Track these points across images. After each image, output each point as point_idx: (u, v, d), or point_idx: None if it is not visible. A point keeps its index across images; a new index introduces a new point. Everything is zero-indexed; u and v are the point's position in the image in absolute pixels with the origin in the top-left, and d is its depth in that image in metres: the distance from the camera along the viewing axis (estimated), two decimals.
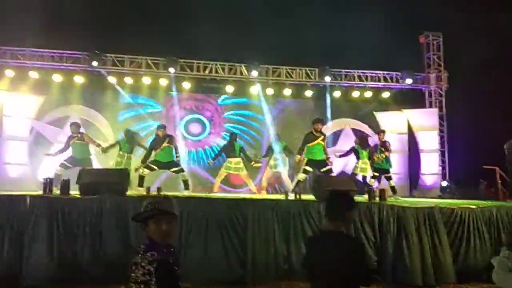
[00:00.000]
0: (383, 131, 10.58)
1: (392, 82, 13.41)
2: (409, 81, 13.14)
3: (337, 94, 13.27)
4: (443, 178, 12.88)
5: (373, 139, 11.32)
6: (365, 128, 13.47)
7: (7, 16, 10.98)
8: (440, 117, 13.27)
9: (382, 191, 7.68)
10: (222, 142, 11.98)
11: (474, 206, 7.09)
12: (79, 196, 6.49)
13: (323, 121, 9.33)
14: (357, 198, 7.15)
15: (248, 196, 8.55)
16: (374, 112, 13.31)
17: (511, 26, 11.94)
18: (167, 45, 12.16)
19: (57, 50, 11.86)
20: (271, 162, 10.21)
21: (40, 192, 6.77)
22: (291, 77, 12.99)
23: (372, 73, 13.32)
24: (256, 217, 6.41)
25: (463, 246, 6.78)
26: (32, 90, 11.62)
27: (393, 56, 12.63)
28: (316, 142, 8.83)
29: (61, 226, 6.01)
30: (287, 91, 13.06)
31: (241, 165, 9.87)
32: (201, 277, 5.95)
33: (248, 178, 10.17)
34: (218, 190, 10.28)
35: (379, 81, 13.36)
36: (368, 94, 13.31)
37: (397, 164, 12.56)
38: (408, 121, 13.13)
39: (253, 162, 10.08)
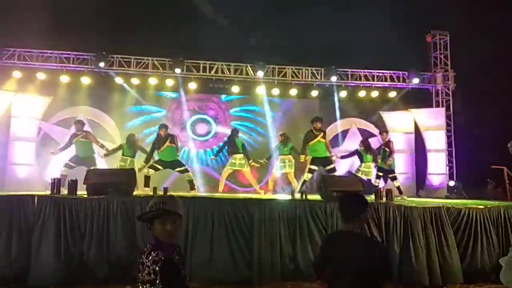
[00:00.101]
0: (386, 131, 10.62)
1: (399, 81, 13.34)
2: (416, 80, 13.07)
3: (343, 94, 13.24)
4: (450, 178, 12.80)
5: (379, 139, 11.25)
6: (371, 128, 13.43)
7: (14, 18, 11.07)
8: (447, 117, 13.18)
9: (388, 191, 7.65)
10: None
11: (481, 206, 7.04)
12: (86, 196, 6.53)
13: (321, 119, 9.41)
14: None
15: (254, 196, 8.57)
16: (381, 112, 13.26)
17: None
18: (173, 46, 12.19)
19: (64, 51, 11.94)
20: (277, 163, 10.15)
21: (48, 192, 6.81)
22: (297, 77, 12.98)
23: (378, 72, 13.27)
24: (262, 217, 6.41)
25: (471, 246, 6.73)
26: (40, 91, 11.71)
27: (399, 56, 12.57)
28: (316, 140, 8.99)
29: (68, 226, 6.05)
30: (293, 91, 13.05)
31: (244, 161, 9.83)
32: (207, 277, 5.97)
33: (251, 175, 10.09)
34: (224, 190, 10.25)
35: (386, 80, 13.31)
36: (375, 93, 13.26)
37: (404, 164, 12.53)
38: (415, 120, 13.07)
39: (251, 161, 10.03)
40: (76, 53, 11.99)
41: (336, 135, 13.34)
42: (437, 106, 13.48)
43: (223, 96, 13.51)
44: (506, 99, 12.29)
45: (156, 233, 2.32)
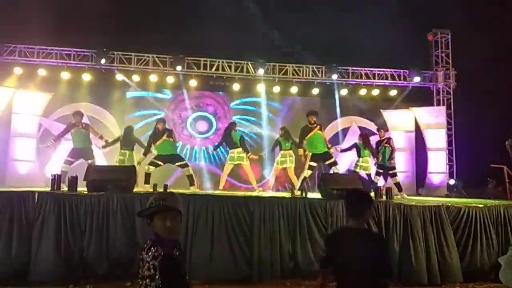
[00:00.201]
0: (383, 128, 10.74)
1: (400, 80, 13.33)
2: (417, 79, 13.07)
3: (344, 92, 13.24)
4: (450, 176, 12.80)
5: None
6: (371, 126, 13.41)
7: (16, 14, 11.06)
8: (448, 115, 13.18)
9: (388, 190, 7.66)
10: None
11: (481, 205, 7.05)
12: (86, 193, 6.54)
13: (317, 113, 9.40)
14: None
15: (254, 193, 8.57)
16: (382, 110, 13.25)
17: None
18: (173, 43, 12.16)
19: (65, 48, 11.93)
20: (278, 158, 10.06)
21: (48, 189, 6.82)
22: (298, 75, 12.97)
23: (379, 71, 13.26)
24: (262, 215, 6.42)
25: (470, 245, 6.75)
26: (40, 88, 11.71)
27: (401, 54, 12.55)
28: (313, 133, 8.94)
29: (68, 222, 6.06)
30: (294, 89, 13.04)
31: (243, 154, 9.73)
32: (207, 274, 5.98)
33: (250, 170, 9.99)
34: (225, 186, 10.20)
35: (387, 79, 13.30)
36: (376, 92, 13.25)
37: (404, 163, 12.51)
38: (415, 119, 13.06)
39: (249, 154, 9.98)
40: (77, 49, 11.99)
41: (337, 133, 13.33)
42: (438, 104, 13.47)
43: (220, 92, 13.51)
44: (507, 98, 12.27)
45: (156, 229, 2.32)
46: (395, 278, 6.27)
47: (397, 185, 9.93)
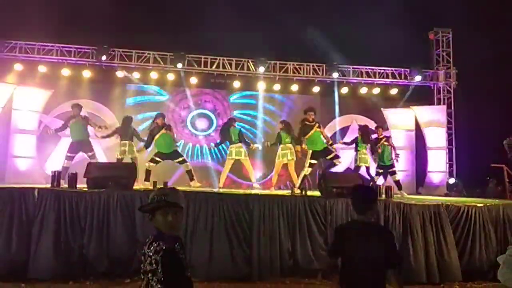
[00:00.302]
0: (381, 127, 10.71)
1: (401, 78, 13.32)
2: (418, 78, 13.07)
3: (344, 90, 13.23)
4: (450, 175, 12.81)
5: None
6: (372, 125, 13.37)
7: (16, 10, 11.05)
8: (449, 114, 13.18)
9: (388, 188, 7.66)
10: None
11: (480, 204, 7.05)
12: (86, 189, 6.54)
13: (315, 110, 9.37)
14: None
15: (254, 191, 8.56)
16: (382, 109, 13.24)
17: None
18: (174, 40, 12.15)
19: (65, 44, 11.92)
20: (279, 152, 9.83)
21: (48, 185, 6.82)
22: (299, 73, 12.96)
23: (380, 69, 13.26)
24: (261, 213, 6.43)
25: (469, 244, 6.75)
26: (41, 84, 11.71)
27: (402, 53, 12.54)
28: (313, 131, 8.92)
29: (68, 219, 6.07)
30: (294, 87, 13.04)
31: (242, 149, 9.64)
32: (206, 273, 5.99)
33: (250, 165, 9.91)
34: (225, 183, 10.14)
35: (388, 77, 13.30)
36: (376, 90, 13.25)
37: (404, 161, 12.50)
38: (416, 118, 13.06)
39: (252, 146, 9.91)
40: (77, 46, 11.98)
41: (336, 132, 13.32)
42: (439, 103, 13.46)
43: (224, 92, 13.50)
44: (507, 97, 12.26)
45: (157, 224, 2.35)
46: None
47: (397, 183, 9.94)
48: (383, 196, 7.45)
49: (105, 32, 11.80)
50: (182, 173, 10.10)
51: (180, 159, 9.24)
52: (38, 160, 11.42)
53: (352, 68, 13.14)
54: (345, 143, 10.80)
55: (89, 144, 9.49)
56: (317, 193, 7.76)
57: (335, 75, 12.80)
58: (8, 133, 11.21)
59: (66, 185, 6.95)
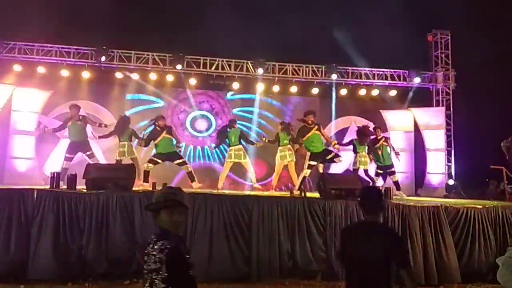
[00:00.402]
0: (380, 128, 10.74)
1: (400, 80, 13.34)
2: (417, 80, 13.09)
3: (343, 92, 13.24)
4: (449, 177, 12.81)
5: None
6: (370, 127, 13.40)
7: (15, 11, 11.05)
8: (447, 116, 13.18)
9: (387, 190, 7.67)
10: None
11: (479, 206, 7.07)
12: (85, 191, 6.54)
13: (315, 113, 9.36)
14: None
15: (253, 193, 8.57)
16: (381, 110, 13.25)
17: None
18: (173, 41, 12.15)
19: (64, 45, 11.91)
20: (278, 154, 9.81)
21: (47, 187, 6.82)
22: (298, 74, 12.97)
23: (379, 71, 13.27)
24: (261, 214, 6.43)
25: (468, 246, 6.77)
26: (40, 85, 11.69)
27: (400, 54, 12.56)
28: (311, 133, 8.89)
29: (67, 220, 6.07)
30: (293, 89, 13.04)
31: (242, 152, 9.66)
32: (206, 274, 5.98)
33: (250, 166, 9.92)
34: (224, 185, 10.11)
35: (386, 79, 13.31)
36: (375, 92, 13.26)
37: (403, 163, 12.50)
38: (414, 119, 13.07)
39: (256, 143, 9.92)
40: (76, 47, 11.96)
41: (336, 133, 13.32)
42: (437, 105, 13.47)
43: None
44: (506, 99, 12.29)
45: (162, 223, 2.36)
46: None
47: (396, 183, 9.95)
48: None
49: (104, 33, 11.80)
50: (184, 175, 10.09)
51: (180, 160, 9.22)
52: (37, 161, 11.39)
53: (351, 69, 13.15)
54: (340, 145, 10.80)
55: (87, 144, 9.50)
56: (317, 194, 7.77)
57: (334, 76, 12.81)
58: (7, 134, 11.18)
59: (65, 187, 6.94)
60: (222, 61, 12.59)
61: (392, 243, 3.03)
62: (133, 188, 7.25)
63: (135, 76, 12.30)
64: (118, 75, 12.22)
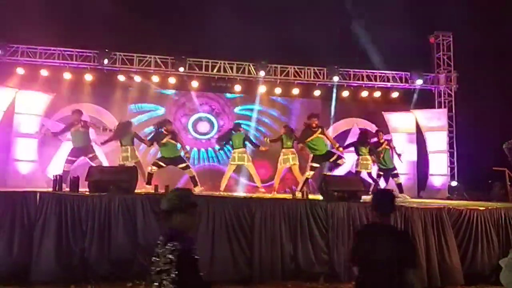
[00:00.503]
0: (382, 131, 10.71)
1: (402, 82, 13.34)
2: (419, 82, 13.08)
3: (345, 94, 13.24)
4: (452, 179, 12.79)
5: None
6: (373, 128, 13.39)
7: (18, 14, 11.09)
8: (450, 118, 13.17)
9: None
10: None
11: (482, 208, 7.04)
12: (88, 193, 6.55)
13: (318, 116, 9.35)
14: (365, 197, 7.16)
15: (255, 195, 8.57)
16: (383, 112, 13.24)
17: None
18: (175, 44, 12.17)
19: (67, 48, 11.95)
20: (280, 157, 9.78)
21: (50, 189, 6.83)
22: (300, 76, 12.98)
23: (381, 73, 13.26)
24: (263, 216, 6.42)
25: (471, 248, 6.74)
26: (43, 88, 11.72)
27: (402, 56, 12.54)
28: (315, 136, 8.87)
29: (69, 223, 6.07)
30: (295, 91, 13.05)
31: (245, 155, 9.67)
32: (208, 275, 5.94)
33: (254, 170, 9.90)
34: (227, 186, 10.07)
35: (388, 81, 13.30)
36: (377, 94, 13.26)
37: (405, 165, 12.47)
38: (416, 121, 13.05)
39: (261, 147, 9.92)
40: (79, 50, 12.00)
41: (338, 135, 13.30)
42: (439, 107, 13.46)
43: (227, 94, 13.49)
44: (508, 100, 12.26)
45: (175, 225, 2.36)
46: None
47: (399, 186, 9.93)
48: None
49: (107, 36, 11.82)
50: (188, 179, 10.07)
51: (184, 165, 9.23)
52: (40, 164, 11.41)
53: (353, 71, 13.16)
54: (344, 148, 10.77)
55: (90, 148, 9.50)
56: (319, 196, 7.76)
57: (336, 78, 12.81)
58: (10, 137, 11.22)
59: (67, 189, 6.96)
60: (224, 63, 12.62)
61: (405, 244, 3.11)
62: (136, 191, 7.26)
63: (137, 79, 12.33)
64: (121, 77, 12.26)
